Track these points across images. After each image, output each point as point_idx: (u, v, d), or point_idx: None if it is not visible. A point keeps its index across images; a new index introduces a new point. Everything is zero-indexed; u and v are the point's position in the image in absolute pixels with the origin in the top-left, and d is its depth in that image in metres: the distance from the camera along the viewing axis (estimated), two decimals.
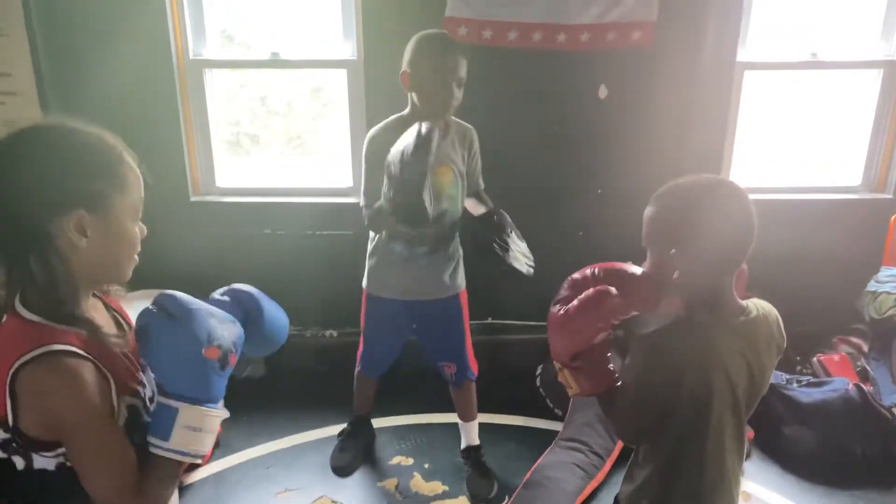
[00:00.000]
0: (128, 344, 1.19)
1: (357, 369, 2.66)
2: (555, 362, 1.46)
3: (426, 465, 2.70)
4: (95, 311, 1.18)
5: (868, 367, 3.01)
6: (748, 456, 2.69)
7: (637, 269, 1.35)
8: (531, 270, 2.31)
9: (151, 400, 1.20)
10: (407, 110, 2.27)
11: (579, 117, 3.18)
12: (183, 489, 2.54)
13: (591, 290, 1.33)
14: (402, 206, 1.96)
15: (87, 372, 1.06)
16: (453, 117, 2.30)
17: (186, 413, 1.10)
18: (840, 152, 3.51)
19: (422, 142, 1.92)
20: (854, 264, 3.28)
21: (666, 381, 1.29)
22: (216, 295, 1.26)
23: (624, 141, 3.17)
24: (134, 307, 3.02)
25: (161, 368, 1.11)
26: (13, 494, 1.13)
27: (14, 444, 1.07)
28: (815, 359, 3.10)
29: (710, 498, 1.37)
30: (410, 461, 2.73)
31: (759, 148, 3.52)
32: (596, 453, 2.62)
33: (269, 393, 3.14)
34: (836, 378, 2.86)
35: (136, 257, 1.19)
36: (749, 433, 2.71)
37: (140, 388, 1.18)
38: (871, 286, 3.17)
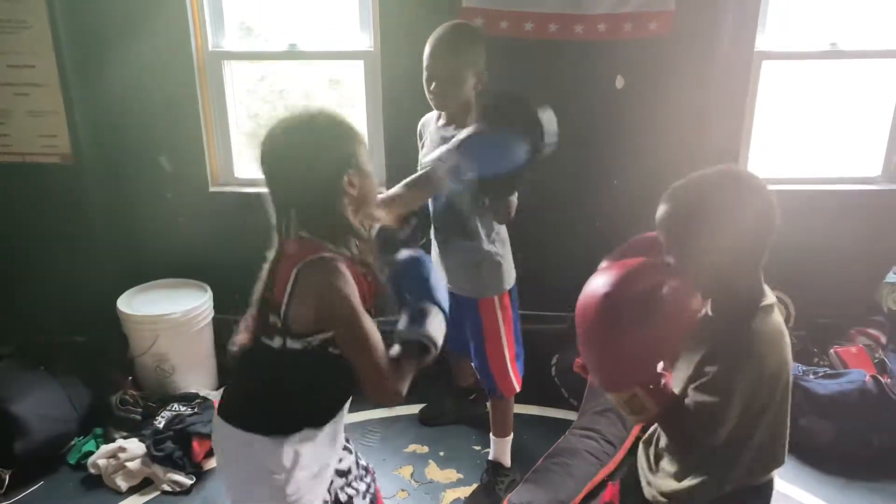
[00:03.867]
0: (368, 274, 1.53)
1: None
2: (620, 392, 1.38)
3: (441, 453, 2.73)
4: (352, 244, 1.51)
5: (886, 359, 2.98)
6: None
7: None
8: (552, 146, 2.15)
9: None
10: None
11: (596, 108, 3.17)
12: (202, 474, 2.59)
13: (667, 289, 1.31)
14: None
15: (349, 272, 1.41)
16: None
17: (437, 314, 1.51)
18: (860, 143, 3.47)
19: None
20: (873, 255, 3.25)
21: (769, 375, 1.32)
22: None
23: (641, 131, 3.16)
24: (156, 297, 3.08)
25: (413, 286, 1.54)
26: (258, 371, 1.53)
27: (279, 326, 1.42)
28: (832, 350, 3.09)
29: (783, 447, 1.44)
30: (426, 449, 2.76)
31: (778, 138, 3.49)
32: (609, 441, 2.63)
33: None
34: (853, 370, 2.85)
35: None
36: None
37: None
38: (890, 278, 3.15)
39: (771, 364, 1.33)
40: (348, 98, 3.51)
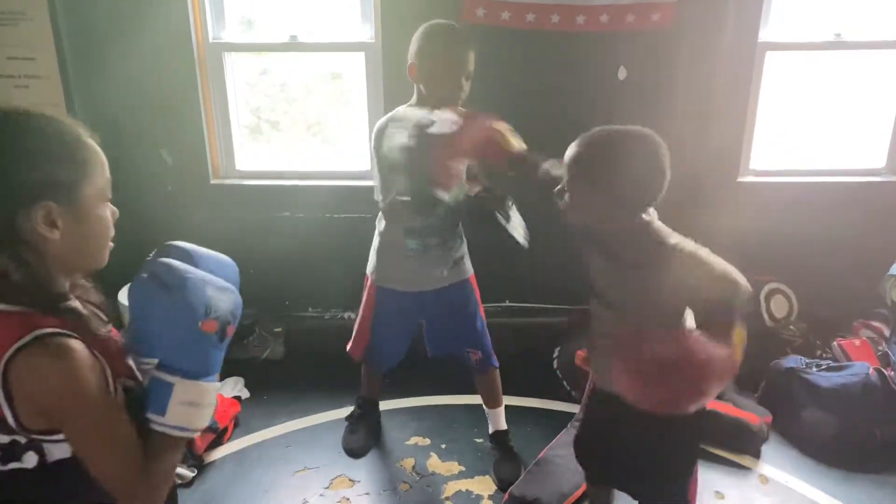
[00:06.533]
0: (111, 332, 1.16)
1: (358, 356, 2.62)
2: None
3: (443, 446, 2.73)
4: (75, 302, 1.14)
5: (889, 352, 2.98)
6: (766, 439, 2.68)
7: None
8: (527, 243, 2.24)
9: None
10: (413, 99, 2.28)
11: (598, 99, 3.15)
12: (203, 467, 2.59)
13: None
14: (413, 193, 2.00)
15: (82, 351, 1.03)
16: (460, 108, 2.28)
17: (182, 388, 1.07)
18: (864, 134, 3.45)
19: (424, 131, 1.92)
20: (877, 247, 3.24)
21: None
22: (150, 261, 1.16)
23: (643, 123, 3.09)
24: None
25: (155, 342, 1.08)
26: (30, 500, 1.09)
27: (23, 442, 1.03)
28: (835, 343, 3.08)
29: None
30: (427, 441, 2.75)
31: (782, 130, 3.47)
32: None
33: (288, 374, 3.18)
34: (856, 362, 2.84)
35: (111, 242, 1.16)
36: (767, 417, 2.72)
37: (133, 371, 1.15)
38: (894, 270, 3.14)
39: None
40: (350, 93, 3.51)
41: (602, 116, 3.14)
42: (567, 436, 2.64)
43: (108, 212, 1.14)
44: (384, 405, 2.91)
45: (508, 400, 2.70)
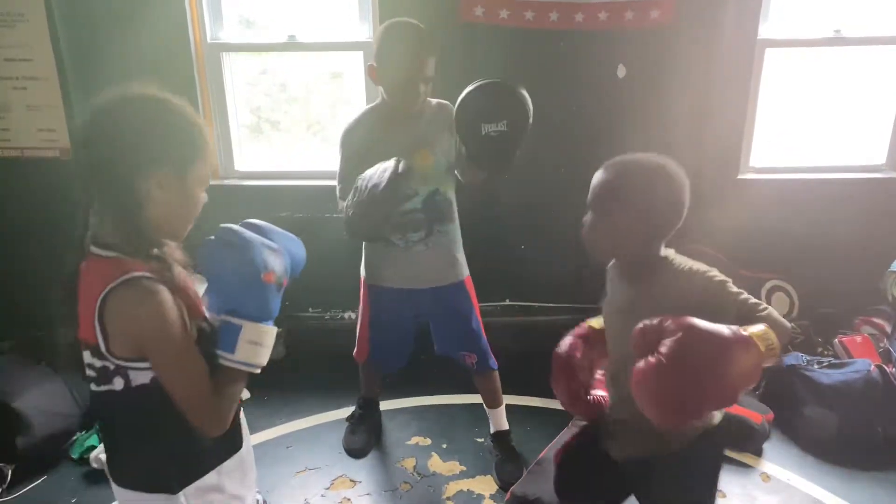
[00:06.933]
0: (189, 281, 1.34)
1: (364, 360, 2.63)
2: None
3: (444, 446, 2.72)
4: (161, 252, 1.31)
5: (891, 348, 2.97)
6: (768, 436, 2.68)
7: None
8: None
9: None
10: (378, 101, 2.28)
11: (598, 97, 3.15)
12: None
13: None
14: (356, 223, 2.10)
15: (165, 293, 1.21)
16: (429, 99, 2.29)
17: (249, 330, 1.26)
18: (864, 131, 3.45)
19: (392, 185, 1.99)
20: (878, 244, 3.23)
21: None
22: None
23: (643, 120, 3.14)
24: None
25: (226, 292, 1.27)
26: (115, 420, 1.32)
27: (112, 368, 1.23)
28: (836, 340, 3.07)
29: None
30: (428, 441, 2.75)
31: (782, 127, 3.46)
32: None
33: (289, 374, 3.17)
34: (857, 359, 2.83)
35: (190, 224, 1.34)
36: (768, 415, 2.71)
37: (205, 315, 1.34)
38: (895, 266, 3.13)
39: None
40: (350, 92, 3.50)
41: (601, 115, 3.17)
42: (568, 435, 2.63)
43: (202, 196, 1.32)
44: (385, 405, 2.91)
45: (509, 399, 2.69)
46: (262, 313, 1.28)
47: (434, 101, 2.31)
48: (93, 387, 1.28)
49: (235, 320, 1.26)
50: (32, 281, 3.29)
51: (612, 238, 1.48)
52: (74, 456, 2.66)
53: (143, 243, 1.24)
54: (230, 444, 1.39)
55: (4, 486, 2.52)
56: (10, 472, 2.55)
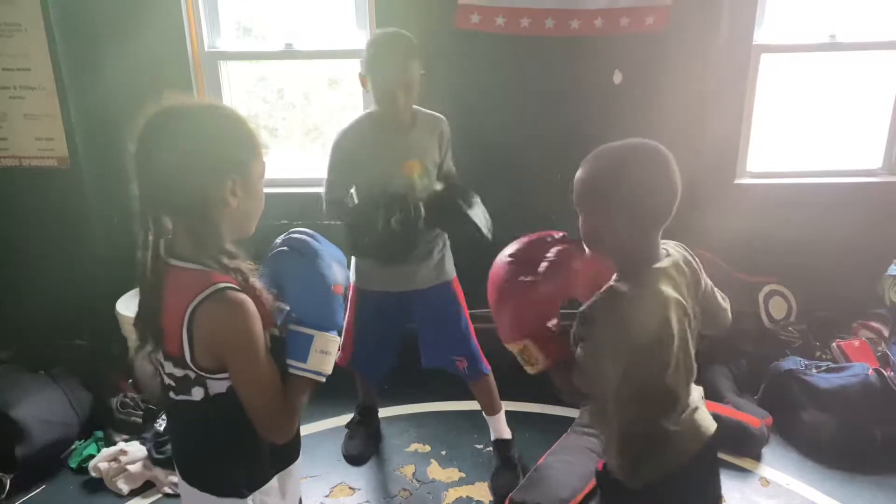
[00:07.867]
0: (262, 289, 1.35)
1: (345, 364, 2.56)
2: (516, 342, 1.52)
3: (443, 452, 2.72)
4: (239, 262, 1.32)
5: (889, 352, 2.97)
6: (767, 441, 2.68)
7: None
8: (490, 236, 2.21)
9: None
10: (373, 107, 2.28)
11: (594, 103, 3.16)
12: None
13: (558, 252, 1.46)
14: (353, 228, 2.17)
15: (250, 303, 1.24)
16: (422, 109, 2.31)
17: (320, 339, 1.31)
18: (860, 135, 3.46)
19: (391, 220, 2.08)
20: (875, 248, 3.24)
21: (638, 335, 1.33)
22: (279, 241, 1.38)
23: (639, 126, 3.09)
24: None
25: (298, 302, 1.31)
26: (191, 427, 1.35)
27: (193, 377, 1.26)
28: (834, 344, 3.07)
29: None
30: (427, 448, 2.75)
31: (778, 132, 3.47)
32: None
33: None
34: (855, 363, 2.84)
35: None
36: (767, 419, 2.71)
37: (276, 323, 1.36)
38: (892, 270, 3.14)
39: (637, 325, 1.34)
40: (348, 97, 3.51)
41: (598, 121, 3.18)
42: (567, 441, 2.63)
43: (263, 190, 1.35)
44: (384, 412, 2.91)
45: (507, 405, 2.69)
46: (331, 323, 1.33)
47: (428, 112, 2.33)
48: (171, 395, 1.31)
49: (307, 330, 1.30)
50: (31, 290, 3.31)
51: (607, 233, 1.42)
52: (73, 465, 2.66)
53: (221, 252, 1.26)
54: (293, 451, 1.45)
55: (3, 496, 2.51)
56: (8, 482, 2.55)
